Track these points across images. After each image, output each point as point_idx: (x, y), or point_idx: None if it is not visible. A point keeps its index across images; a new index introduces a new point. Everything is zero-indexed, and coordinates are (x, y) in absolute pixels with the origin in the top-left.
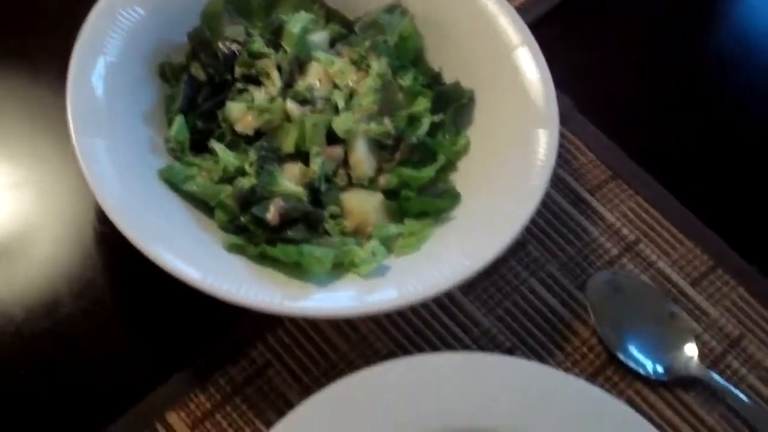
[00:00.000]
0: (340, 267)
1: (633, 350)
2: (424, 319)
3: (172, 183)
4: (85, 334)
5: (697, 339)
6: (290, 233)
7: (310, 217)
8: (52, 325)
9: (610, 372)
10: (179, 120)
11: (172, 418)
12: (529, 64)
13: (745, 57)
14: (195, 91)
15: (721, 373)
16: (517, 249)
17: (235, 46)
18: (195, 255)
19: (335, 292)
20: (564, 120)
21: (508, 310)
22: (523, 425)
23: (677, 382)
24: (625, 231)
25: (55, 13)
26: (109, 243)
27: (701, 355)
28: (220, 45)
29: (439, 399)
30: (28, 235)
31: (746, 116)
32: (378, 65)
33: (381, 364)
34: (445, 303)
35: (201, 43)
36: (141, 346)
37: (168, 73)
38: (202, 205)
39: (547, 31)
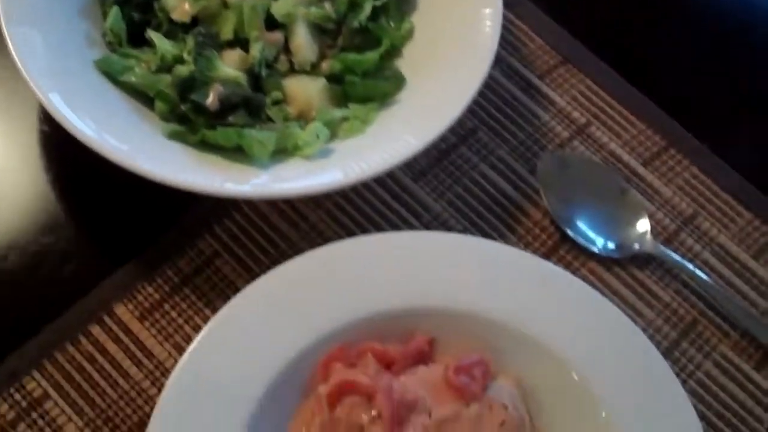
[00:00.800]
0: (284, 152)
1: (584, 228)
2: (374, 206)
3: (110, 74)
4: (29, 230)
5: (651, 218)
6: (231, 119)
7: (252, 102)
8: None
9: (563, 252)
10: (115, 11)
11: (120, 310)
12: None
13: None
14: None
15: (675, 251)
16: (467, 135)
17: None
18: (137, 143)
19: (278, 175)
20: (512, 5)
21: (459, 195)
22: (478, 301)
23: (631, 260)
24: (575, 114)
25: None
26: (51, 141)
27: (655, 234)
28: None
29: (389, 278)
30: None
31: None
32: None
33: (327, 245)
34: (395, 190)
35: None
36: (86, 241)
37: None
38: (142, 96)
39: None
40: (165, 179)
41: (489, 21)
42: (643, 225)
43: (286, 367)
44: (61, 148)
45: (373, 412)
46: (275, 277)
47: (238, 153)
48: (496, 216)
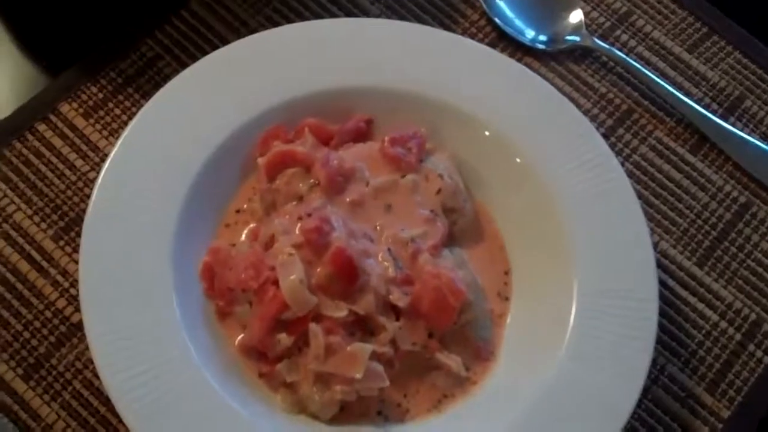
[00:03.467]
0: None
1: (517, 21)
2: (311, 8)
3: None
4: None
5: (587, 16)
6: None
7: None
8: None
9: (500, 48)
10: None
11: (65, 108)
12: None
13: None
14: None
15: (611, 46)
16: None
17: None
18: None
19: None
20: None
21: None
22: (415, 81)
23: (567, 54)
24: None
25: None
26: None
27: (591, 30)
28: None
29: (328, 59)
30: None
31: None
32: None
33: (266, 31)
34: None
35: None
36: (31, 44)
37: None
38: None
39: None
40: None
41: None
42: (576, 17)
43: (224, 143)
44: None
45: (311, 181)
46: (212, 61)
47: None
48: (433, 16)
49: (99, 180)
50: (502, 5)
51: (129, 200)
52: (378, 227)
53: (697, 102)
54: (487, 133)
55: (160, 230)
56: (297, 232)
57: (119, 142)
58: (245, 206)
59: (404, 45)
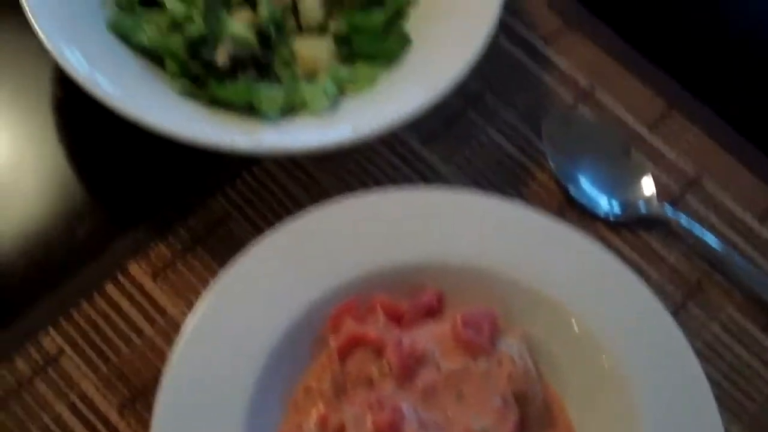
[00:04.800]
0: (293, 109)
1: (589, 189)
2: (383, 169)
3: (123, 35)
4: (44, 193)
5: (655, 180)
6: (240, 77)
7: (261, 61)
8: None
9: (569, 215)
10: None
11: (134, 268)
12: None
13: None
14: None
15: (680, 212)
16: (474, 100)
17: None
18: (148, 99)
19: (288, 131)
20: None
21: (467, 158)
22: (487, 257)
23: (636, 222)
24: (580, 78)
25: None
26: (63, 103)
27: (659, 196)
28: None
29: (400, 233)
30: None
31: None
32: None
33: (338, 201)
34: (404, 154)
35: None
36: (99, 202)
37: None
38: (153, 55)
39: None
40: (175, 133)
41: None
42: (649, 186)
43: (297, 321)
44: (73, 110)
45: (383, 363)
46: (285, 233)
47: (247, 110)
48: (503, 178)
49: (172, 359)
50: (573, 173)
51: (201, 378)
52: (449, 415)
53: (766, 275)
54: (558, 313)
55: (231, 410)
56: (369, 424)
57: (193, 318)
58: (314, 385)
59: (476, 218)
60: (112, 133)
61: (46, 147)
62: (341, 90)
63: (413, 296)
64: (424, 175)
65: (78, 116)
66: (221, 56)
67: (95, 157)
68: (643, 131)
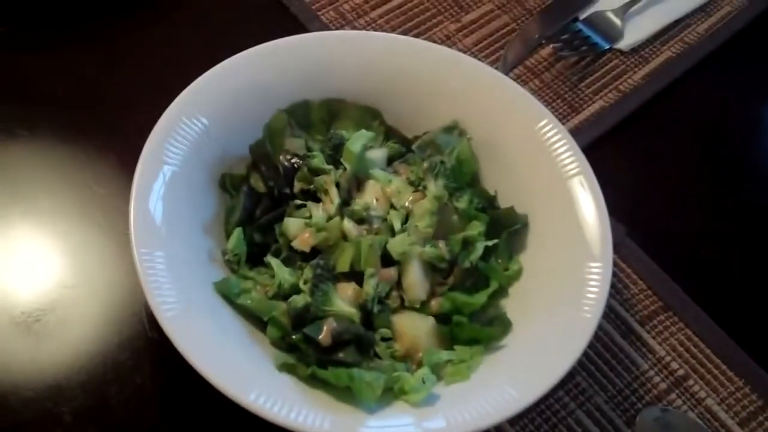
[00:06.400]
0: (389, 393)
1: None
2: None
3: (227, 296)
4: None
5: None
6: (341, 355)
7: (362, 340)
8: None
9: None
10: (237, 232)
11: None
12: (585, 194)
13: None
14: (254, 203)
15: None
16: (565, 379)
17: (295, 160)
18: (245, 372)
19: (385, 420)
20: (616, 248)
21: None
22: None
23: None
24: (674, 365)
25: (123, 113)
26: (159, 350)
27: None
28: (281, 158)
29: None
30: (81, 335)
31: None
32: (435, 187)
33: None
34: None
35: (262, 156)
36: None
37: (228, 184)
38: (255, 319)
39: (600, 153)
40: (283, 422)
41: (598, 274)
42: None
43: None
44: (168, 359)
45: None
46: None
47: (344, 391)
48: None
49: None
50: None
51: None
52: None
53: None
54: None
55: None
56: None
57: None
58: None
59: None
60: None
61: (134, 394)
62: (438, 375)
63: None
64: None
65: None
66: (324, 335)
67: (182, 412)
68: (735, 426)
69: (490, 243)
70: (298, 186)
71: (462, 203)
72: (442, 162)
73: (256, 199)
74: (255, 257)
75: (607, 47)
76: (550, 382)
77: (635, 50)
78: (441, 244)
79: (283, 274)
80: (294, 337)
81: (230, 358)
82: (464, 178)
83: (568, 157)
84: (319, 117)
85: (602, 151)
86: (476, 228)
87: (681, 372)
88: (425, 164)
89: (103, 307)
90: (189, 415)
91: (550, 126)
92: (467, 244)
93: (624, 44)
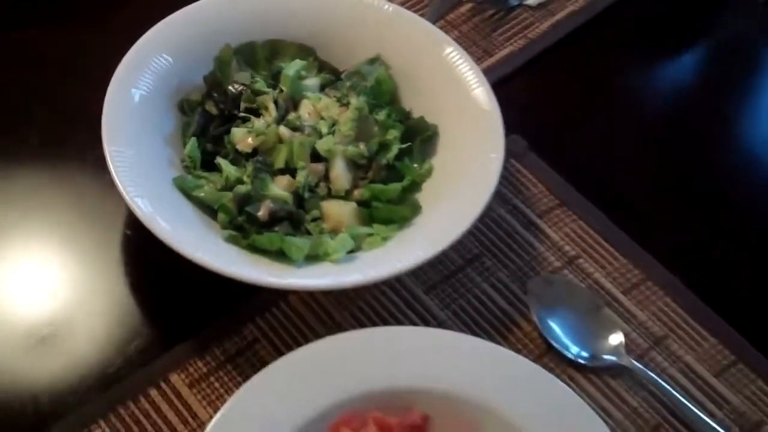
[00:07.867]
0: (316, 257)
1: (564, 339)
2: (390, 311)
3: (184, 190)
4: (108, 313)
5: (626, 337)
6: (276, 229)
7: (294, 217)
8: (81, 303)
9: (547, 359)
10: (192, 141)
11: (174, 378)
12: (484, 102)
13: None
14: (207, 122)
15: (646, 365)
16: (473, 259)
17: (242, 88)
18: (202, 244)
19: (310, 273)
20: (519, 158)
21: (462, 307)
22: (470, 388)
23: (605, 369)
24: (567, 248)
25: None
26: (131, 242)
27: (629, 350)
28: (230, 87)
29: (393, 361)
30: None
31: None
32: (356, 101)
33: (344, 333)
34: (408, 299)
35: (214, 84)
36: (152, 323)
37: (186, 108)
38: (208, 209)
39: (509, 87)
40: (222, 271)
41: (493, 164)
42: (617, 339)
43: (305, 426)
44: (139, 248)
45: None
46: (297, 356)
47: (279, 256)
48: (493, 326)
49: None
50: (552, 324)
51: None
52: None
53: (719, 423)
54: None
55: None
56: None
57: (215, 418)
58: None
59: (464, 355)
60: (167, 268)
61: (111, 277)
62: (359, 245)
63: (403, 415)
64: (423, 317)
65: (143, 252)
66: (262, 211)
67: (151, 286)
68: (619, 294)
69: (404, 146)
70: (243, 105)
71: (381, 116)
72: (363, 83)
73: (209, 119)
74: (208, 164)
75: (517, 3)
76: (449, 240)
77: (543, 5)
78: (362, 145)
79: (230, 170)
80: (239, 218)
81: (190, 234)
82: (383, 97)
83: (470, 75)
84: (263, 55)
85: (512, 85)
86: (392, 134)
87: (573, 253)
88: (348, 84)
89: (82, 215)
90: (156, 287)
91: (455, 53)
92: (384, 146)
93: (533, 0)
